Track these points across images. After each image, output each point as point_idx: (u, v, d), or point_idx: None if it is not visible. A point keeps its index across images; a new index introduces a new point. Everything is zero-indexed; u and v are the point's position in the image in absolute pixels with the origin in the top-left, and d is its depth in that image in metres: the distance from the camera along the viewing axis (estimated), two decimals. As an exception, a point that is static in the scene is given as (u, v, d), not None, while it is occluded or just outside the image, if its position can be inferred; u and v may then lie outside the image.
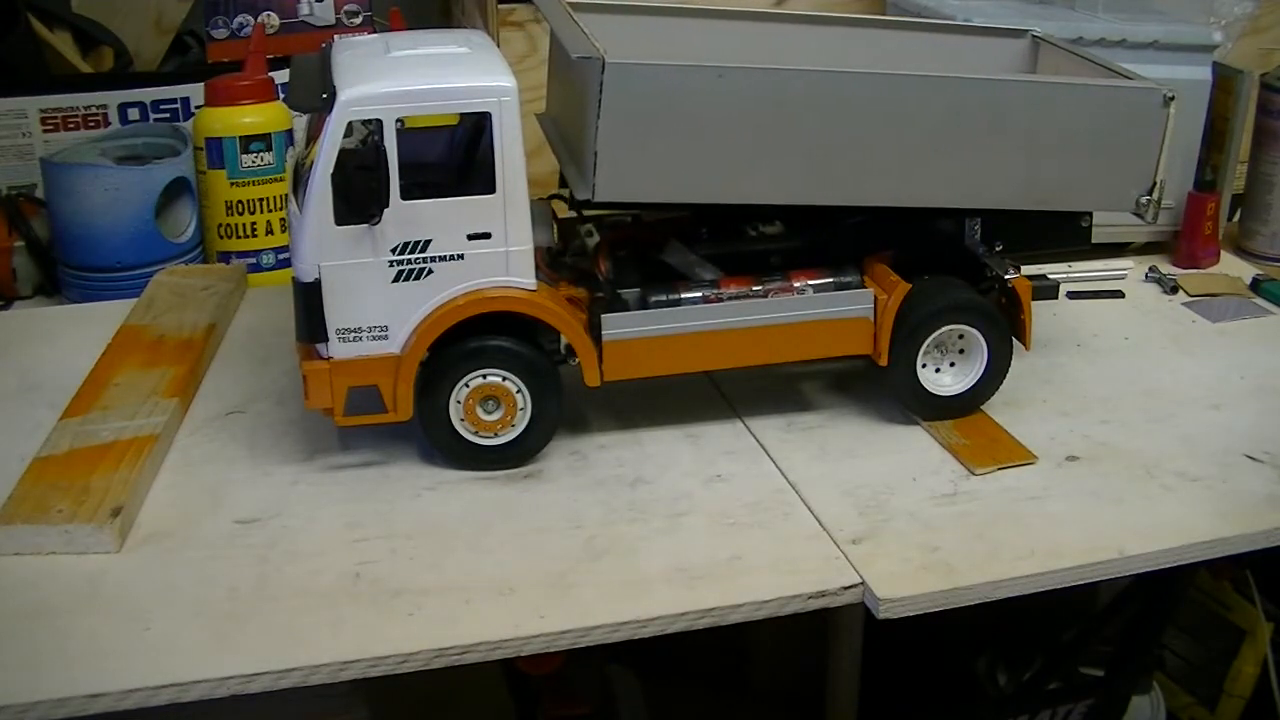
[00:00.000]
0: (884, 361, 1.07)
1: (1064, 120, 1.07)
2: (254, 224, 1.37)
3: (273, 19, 1.55)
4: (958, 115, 1.04)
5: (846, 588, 0.89)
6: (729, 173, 1.02)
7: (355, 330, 0.98)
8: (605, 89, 0.96)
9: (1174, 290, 1.37)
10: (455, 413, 1.01)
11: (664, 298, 1.06)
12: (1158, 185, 1.10)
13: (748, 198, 1.04)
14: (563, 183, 1.13)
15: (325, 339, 0.98)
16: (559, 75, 1.16)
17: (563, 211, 1.14)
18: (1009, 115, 1.06)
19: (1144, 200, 1.11)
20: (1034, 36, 1.27)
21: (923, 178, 1.06)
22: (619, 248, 1.09)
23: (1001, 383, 1.10)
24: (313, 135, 1.00)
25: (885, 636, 1.26)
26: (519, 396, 1.01)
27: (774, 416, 1.11)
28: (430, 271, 0.97)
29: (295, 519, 0.97)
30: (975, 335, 1.07)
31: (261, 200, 1.37)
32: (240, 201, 1.36)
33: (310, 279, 0.96)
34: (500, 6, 1.48)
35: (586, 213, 1.13)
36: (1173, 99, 1.08)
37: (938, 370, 1.09)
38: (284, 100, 1.39)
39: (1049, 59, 1.25)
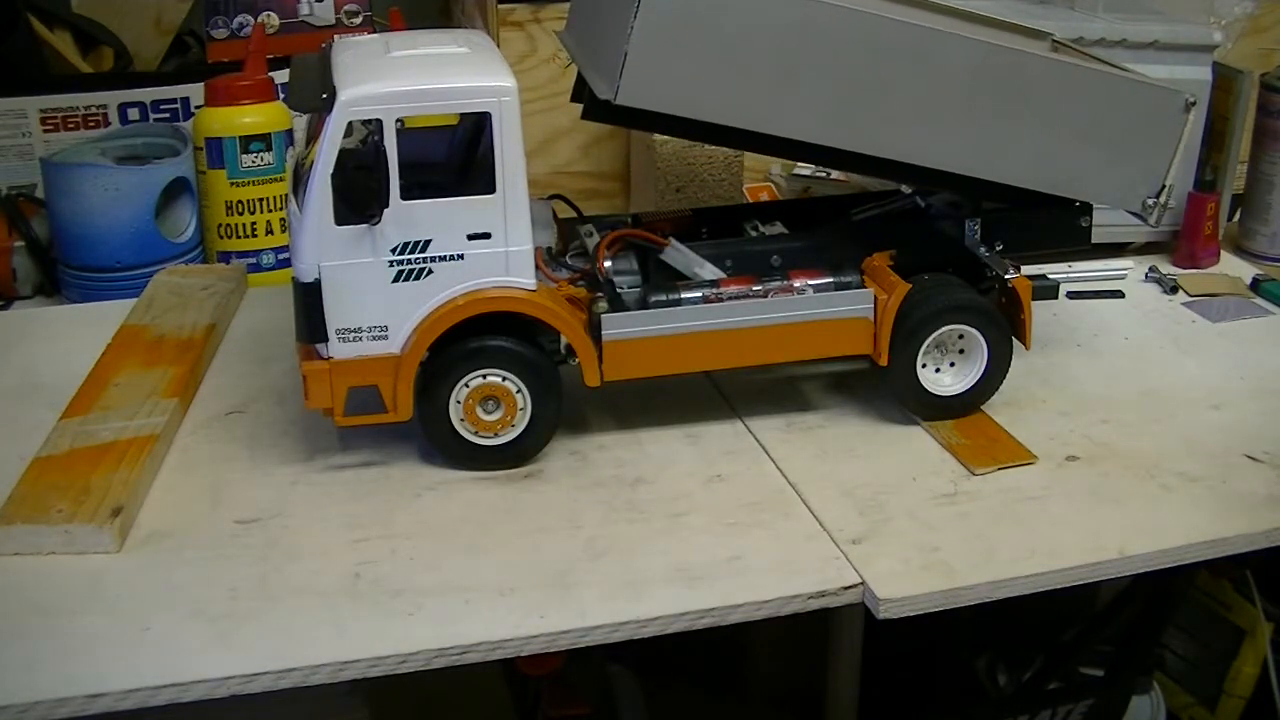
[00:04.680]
0: (884, 361, 1.07)
1: (1086, 107, 1.07)
2: (254, 224, 1.37)
3: (273, 19, 1.55)
4: (986, 81, 1.04)
5: (846, 588, 0.89)
6: (751, 97, 1.01)
7: (355, 330, 0.98)
8: None
9: (1174, 290, 1.37)
10: (455, 413, 1.01)
11: (664, 298, 1.06)
12: (1166, 189, 1.10)
13: (765, 126, 1.03)
14: (575, 95, 1.12)
15: (325, 339, 0.98)
16: None
17: (563, 212, 1.14)
18: (1034, 91, 1.06)
19: (1150, 202, 1.11)
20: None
21: (941, 138, 1.05)
22: (619, 248, 1.09)
23: (1001, 383, 1.10)
24: (313, 135, 1.00)
25: (885, 636, 1.26)
26: (519, 396, 1.01)
27: (774, 416, 1.11)
28: (430, 271, 0.97)
29: (295, 519, 0.97)
30: (975, 335, 1.07)
31: (261, 200, 1.37)
32: (240, 201, 1.36)
33: (310, 279, 0.96)
34: (500, 6, 1.48)
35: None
36: (1194, 104, 1.08)
37: (938, 370, 1.09)
38: (284, 100, 1.39)
39: None
